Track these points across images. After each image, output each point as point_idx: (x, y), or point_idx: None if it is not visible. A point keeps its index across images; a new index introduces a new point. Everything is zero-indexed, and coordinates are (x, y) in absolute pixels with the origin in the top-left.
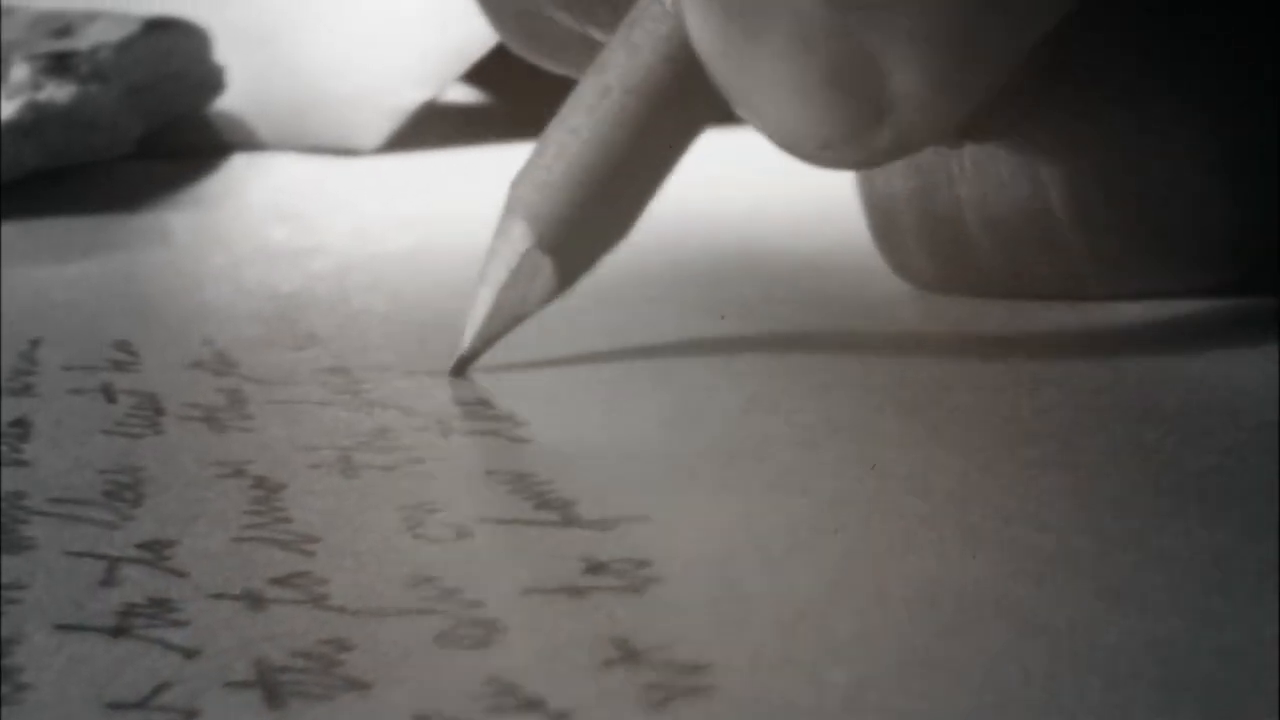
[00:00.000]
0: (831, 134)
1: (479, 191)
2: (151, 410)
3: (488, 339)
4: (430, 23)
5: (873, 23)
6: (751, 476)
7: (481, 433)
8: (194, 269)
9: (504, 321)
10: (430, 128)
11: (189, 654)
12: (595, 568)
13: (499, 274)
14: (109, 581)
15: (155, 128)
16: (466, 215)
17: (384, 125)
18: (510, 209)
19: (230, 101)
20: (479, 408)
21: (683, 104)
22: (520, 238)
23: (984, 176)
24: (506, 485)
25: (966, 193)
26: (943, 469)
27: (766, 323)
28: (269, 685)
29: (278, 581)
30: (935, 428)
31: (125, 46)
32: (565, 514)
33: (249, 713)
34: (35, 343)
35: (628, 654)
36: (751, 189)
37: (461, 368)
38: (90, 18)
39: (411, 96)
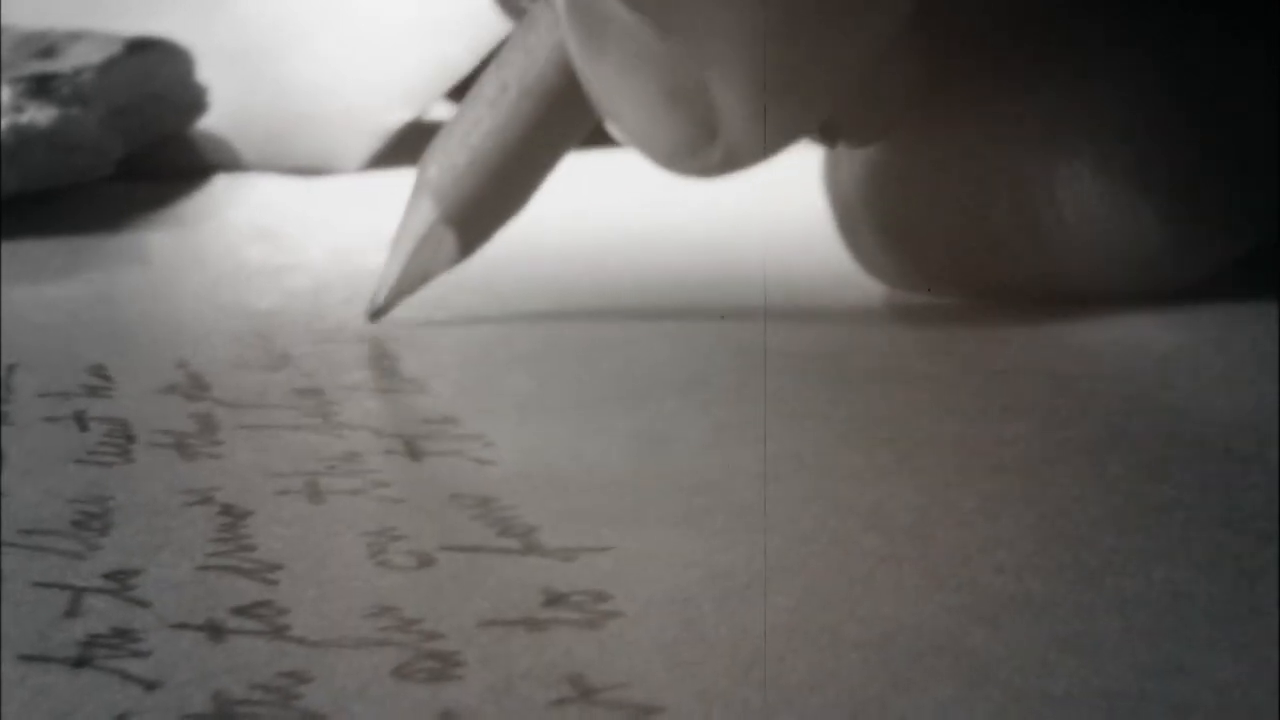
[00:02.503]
0: (671, 147)
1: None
2: (123, 438)
3: (397, 296)
4: (413, 42)
5: (698, 51)
6: (715, 510)
7: (449, 454)
8: (171, 290)
9: (411, 282)
10: (413, 147)
11: (149, 686)
12: (555, 600)
13: (408, 242)
14: (73, 612)
15: (137, 149)
16: None
17: (366, 145)
18: (419, 186)
19: (213, 122)
20: (447, 426)
21: (569, 104)
22: (427, 212)
23: (936, 179)
24: (471, 510)
25: (917, 193)
26: (905, 504)
27: (736, 344)
28: (226, 718)
29: (239, 611)
30: (901, 459)
31: (107, 68)
32: (527, 541)
33: None
34: (11, 368)
35: (582, 692)
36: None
37: (376, 317)
38: (74, 38)
39: (394, 116)
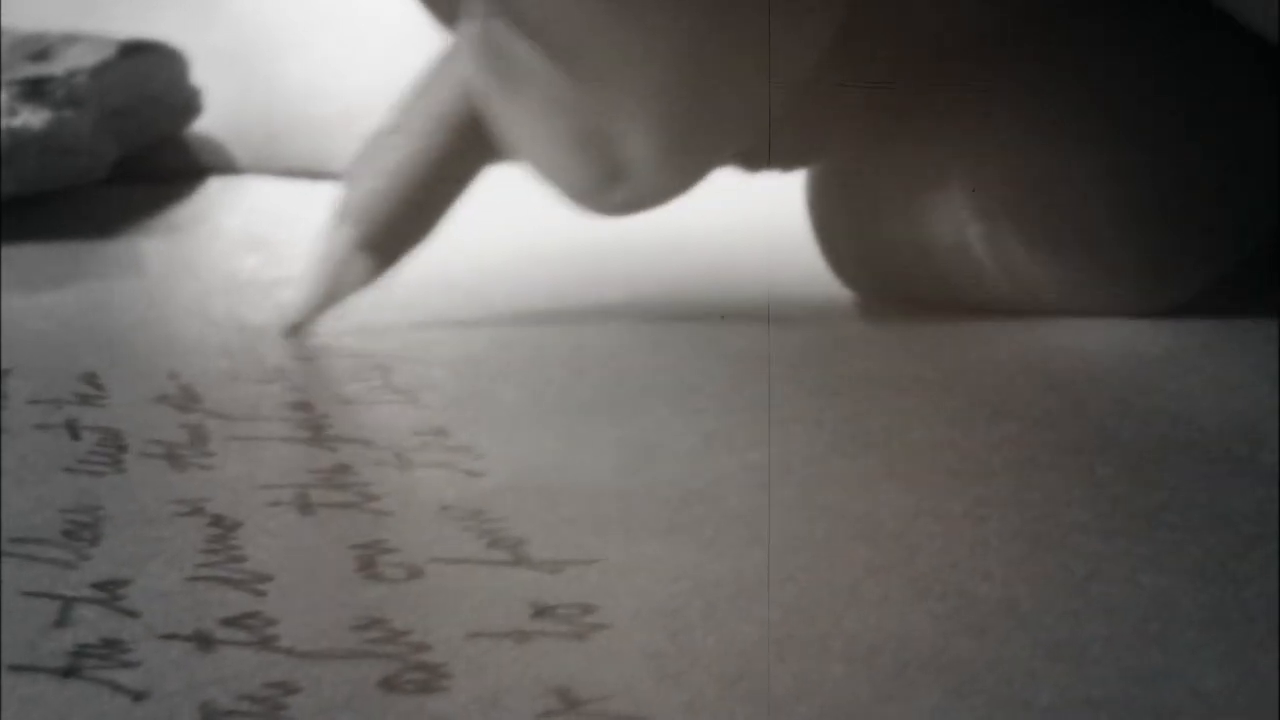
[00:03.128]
0: (580, 187)
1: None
2: (115, 447)
3: (311, 314)
4: (409, 44)
5: (606, 99)
6: (704, 520)
7: (439, 465)
8: (165, 299)
9: (324, 302)
10: None
11: (137, 696)
12: (542, 611)
13: (325, 263)
14: (63, 622)
15: (132, 151)
16: (436, 240)
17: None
18: (338, 212)
19: (208, 124)
20: (437, 438)
21: (476, 140)
22: (343, 236)
23: (912, 200)
24: (460, 522)
25: (897, 212)
26: (893, 511)
27: (725, 352)
28: None
29: (228, 622)
30: (890, 465)
31: (101, 71)
32: (516, 553)
33: None
34: (5, 374)
35: (568, 704)
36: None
37: (291, 334)
38: (69, 40)
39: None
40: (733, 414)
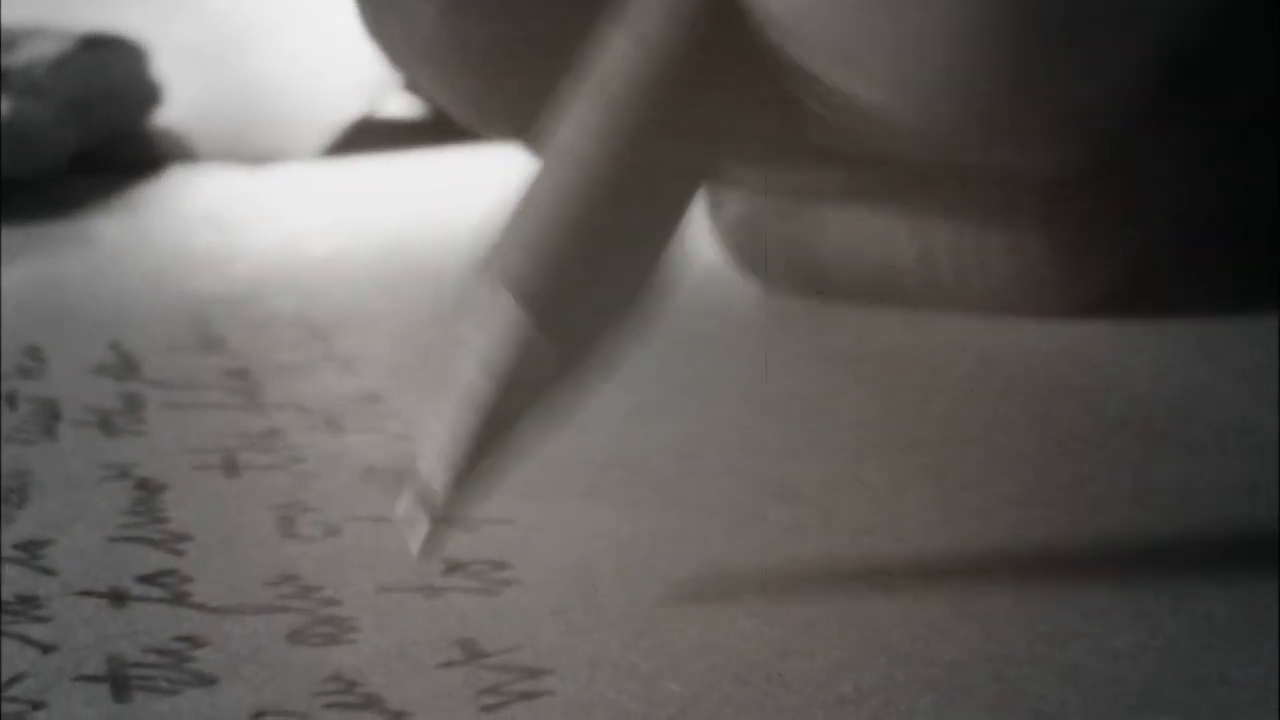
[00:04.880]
0: None
1: (407, 198)
2: (49, 416)
3: (468, 472)
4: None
5: None
6: (625, 485)
7: (368, 429)
8: (114, 275)
9: (489, 439)
10: (367, 139)
11: (46, 649)
12: (454, 568)
13: (480, 369)
14: None
15: (91, 143)
16: (391, 219)
17: (320, 138)
18: (485, 278)
19: (170, 116)
20: (370, 404)
21: (717, 105)
22: (505, 315)
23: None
24: (381, 483)
25: (821, 219)
26: (815, 479)
27: (658, 328)
28: (118, 680)
29: (144, 579)
30: (818, 436)
31: (61, 63)
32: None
33: (94, 706)
34: None
35: (472, 655)
36: None
37: (437, 533)
38: (32, 34)
39: (348, 109)
40: (664, 386)
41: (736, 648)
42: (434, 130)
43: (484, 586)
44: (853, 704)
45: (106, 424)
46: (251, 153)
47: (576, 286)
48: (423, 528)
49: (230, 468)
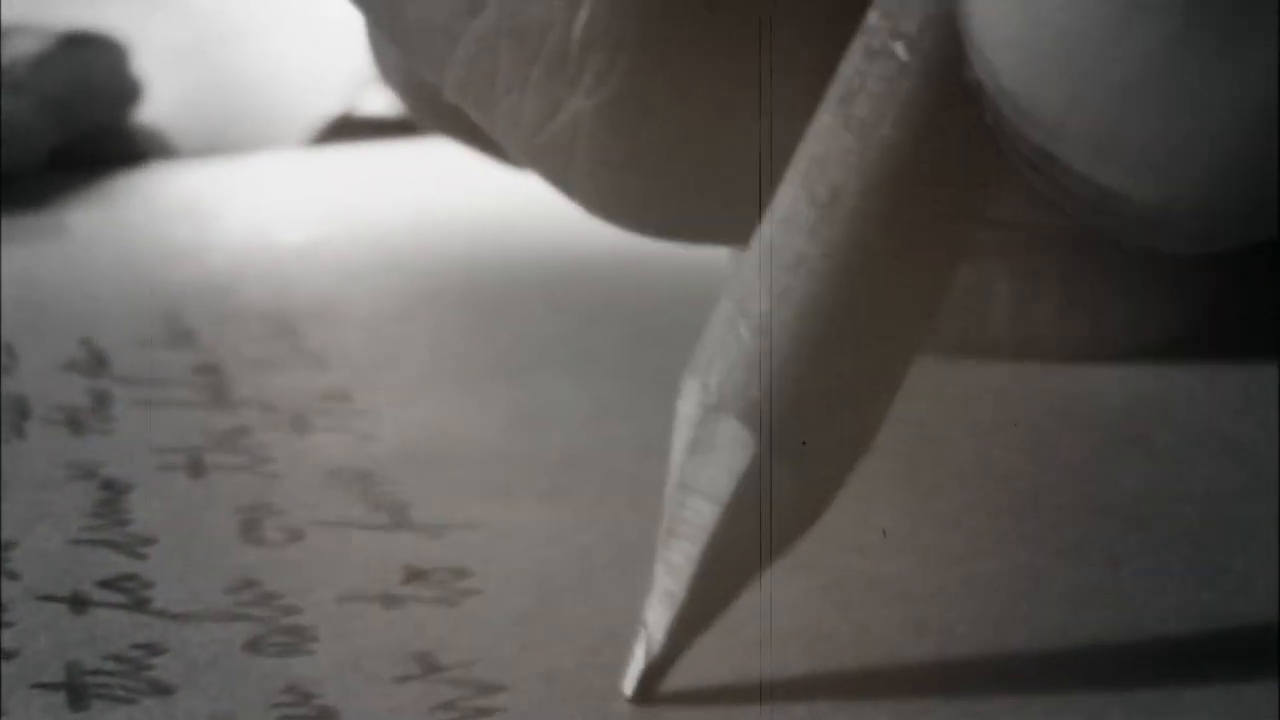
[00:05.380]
0: None
1: (384, 189)
2: (17, 414)
3: (694, 623)
4: (353, 32)
5: None
6: (588, 486)
7: (336, 429)
8: (88, 268)
9: (722, 587)
10: (346, 135)
11: (6, 655)
12: (415, 576)
13: (712, 504)
14: None
15: (71, 139)
16: (368, 211)
17: (300, 135)
18: (709, 404)
19: (151, 113)
20: (339, 402)
21: (958, 194)
22: (737, 446)
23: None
24: (347, 486)
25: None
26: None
27: (626, 324)
28: (75, 688)
29: (104, 584)
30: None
31: (41, 61)
32: (397, 517)
33: (51, 713)
34: None
35: (428, 669)
36: None
37: (650, 684)
38: (12, 31)
39: (328, 106)
40: (630, 382)
41: (692, 662)
42: (413, 127)
43: (444, 596)
44: None
45: (74, 422)
46: (232, 149)
47: (819, 415)
48: (639, 667)
49: (196, 468)
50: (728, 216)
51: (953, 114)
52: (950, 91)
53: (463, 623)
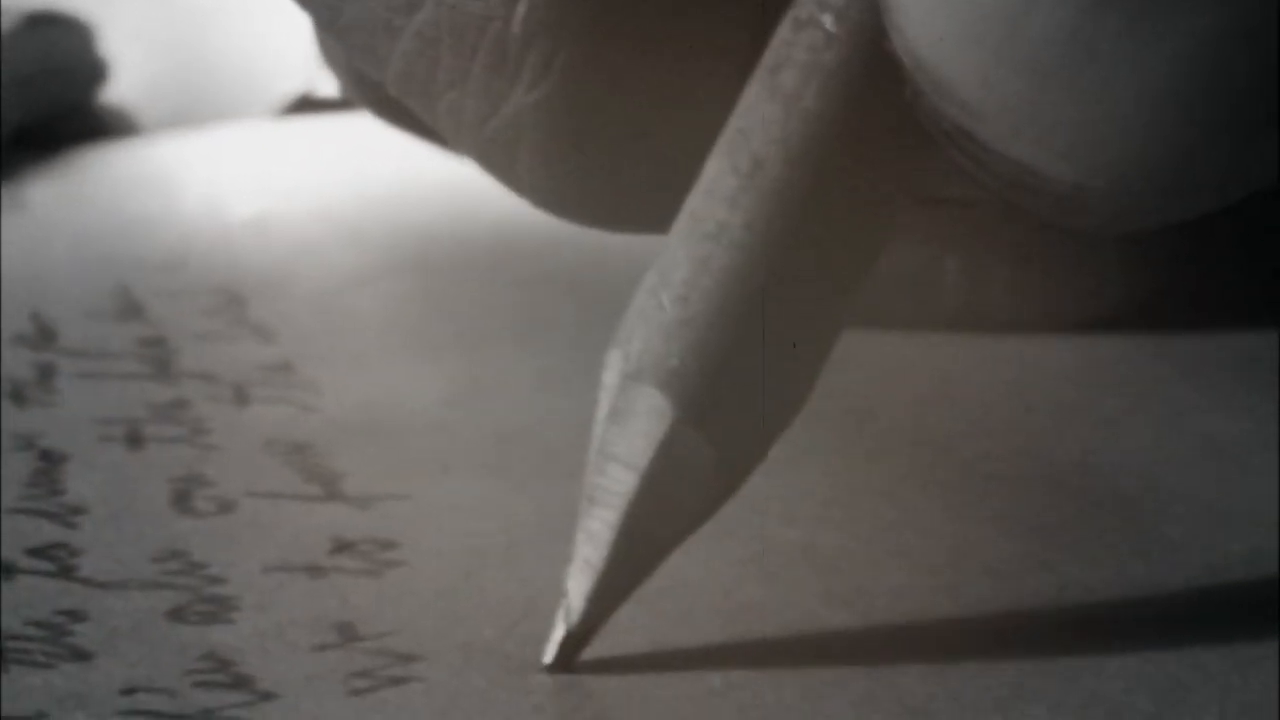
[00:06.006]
0: None
1: (340, 163)
2: None
3: (614, 592)
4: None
5: None
6: (526, 458)
7: (277, 400)
8: (41, 242)
9: (642, 555)
10: (310, 112)
11: None
12: (342, 547)
13: (632, 475)
14: None
15: (37, 118)
16: (325, 184)
17: (263, 114)
18: (628, 373)
19: (117, 93)
20: (281, 374)
21: (880, 166)
22: (655, 414)
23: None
24: (283, 457)
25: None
26: None
27: (576, 297)
28: None
29: (33, 552)
30: None
31: (8, 40)
32: (330, 489)
33: None
34: None
35: (348, 638)
36: None
37: (569, 653)
38: None
39: (290, 87)
40: (578, 355)
41: (612, 634)
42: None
43: (369, 568)
44: (720, 696)
45: (18, 395)
46: (198, 128)
47: (739, 384)
48: (558, 636)
49: (134, 440)
50: (673, 206)
51: (877, 87)
52: (875, 65)
53: (386, 594)
